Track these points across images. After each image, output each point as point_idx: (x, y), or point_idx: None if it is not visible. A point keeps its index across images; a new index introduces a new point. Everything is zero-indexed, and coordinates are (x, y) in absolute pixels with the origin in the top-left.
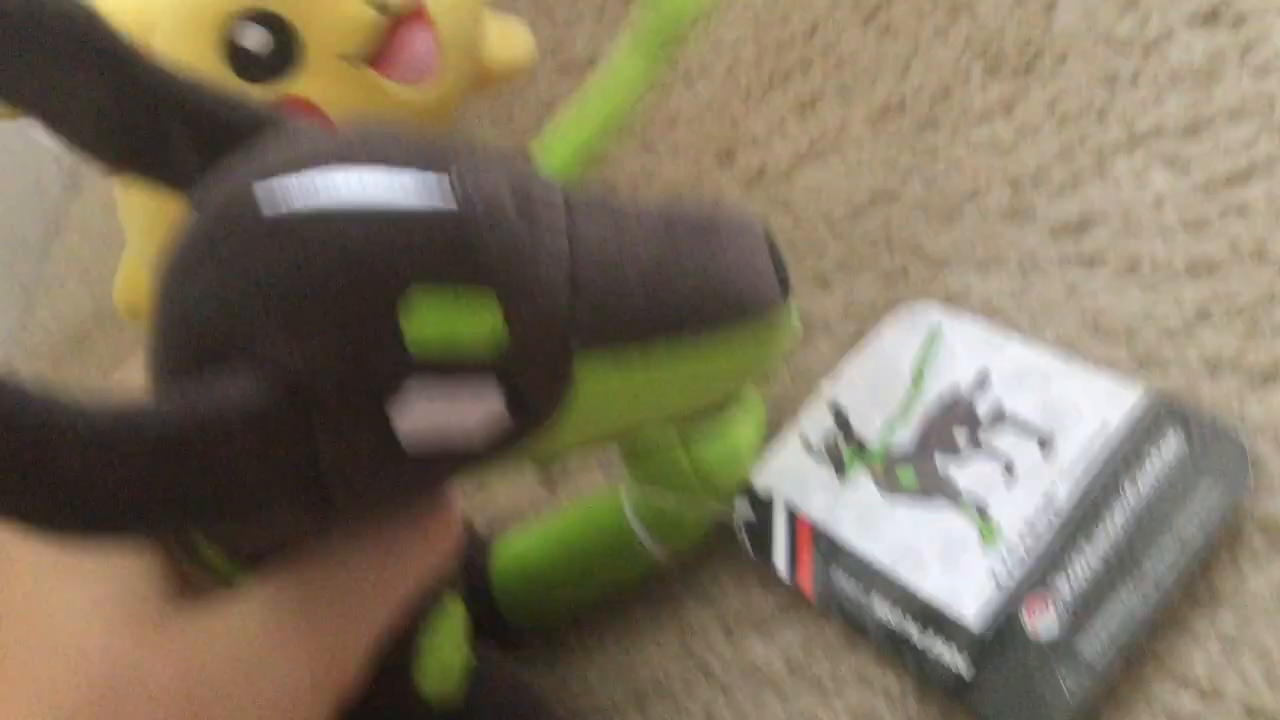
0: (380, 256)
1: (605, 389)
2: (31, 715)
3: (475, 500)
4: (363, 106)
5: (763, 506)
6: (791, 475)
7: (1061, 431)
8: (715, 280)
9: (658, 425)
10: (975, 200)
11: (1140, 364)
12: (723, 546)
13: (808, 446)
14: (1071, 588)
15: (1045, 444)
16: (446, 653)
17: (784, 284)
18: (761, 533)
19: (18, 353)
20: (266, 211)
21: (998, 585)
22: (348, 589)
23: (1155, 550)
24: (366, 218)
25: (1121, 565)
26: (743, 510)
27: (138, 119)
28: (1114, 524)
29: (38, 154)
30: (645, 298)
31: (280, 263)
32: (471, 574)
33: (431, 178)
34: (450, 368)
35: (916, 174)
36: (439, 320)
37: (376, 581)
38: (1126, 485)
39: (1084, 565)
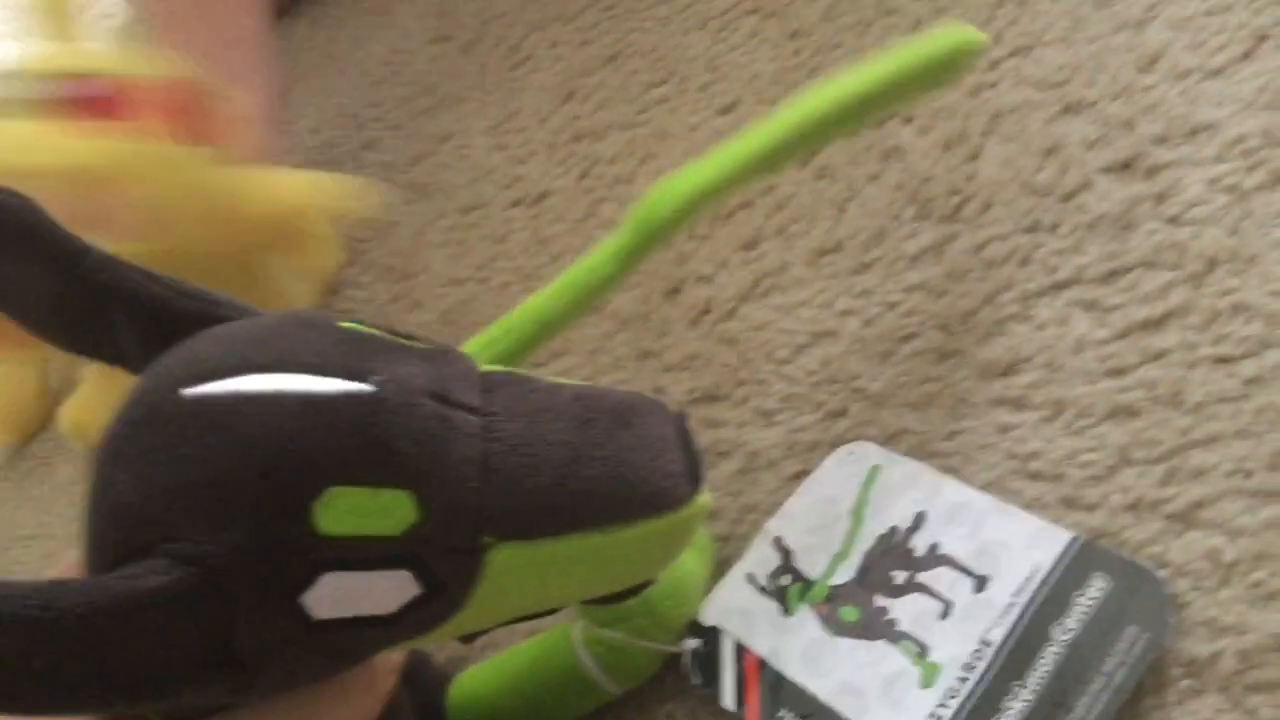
0: (297, 455)
1: (517, 575)
2: None
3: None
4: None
5: (710, 641)
6: (738, 611)
7: (995, 573)
8: (626, 477)
9: (566, 604)
10: (909, 341)
11: (1067, 506)
12: (673, 680)
13: (754, 583)
14: None
15: (980, 585)
16: None
17: (695, 475)
18: (709, 666)
19: None
20: (189, 409)
21: None
22: None
23: (1085, 692)
24: (290, 409)
25: (1054, 707)
26: (691, 645)
27: (84, 307)
28: (1045, 667)
29: None
30: (556, 492)
31: (200, 457)
32: (429, 711)
33: (353, 384)
34: (366, 561)
35: (854, 314)
36: (353, 518)
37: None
38: (1055, 629)
39: (1019, 707)
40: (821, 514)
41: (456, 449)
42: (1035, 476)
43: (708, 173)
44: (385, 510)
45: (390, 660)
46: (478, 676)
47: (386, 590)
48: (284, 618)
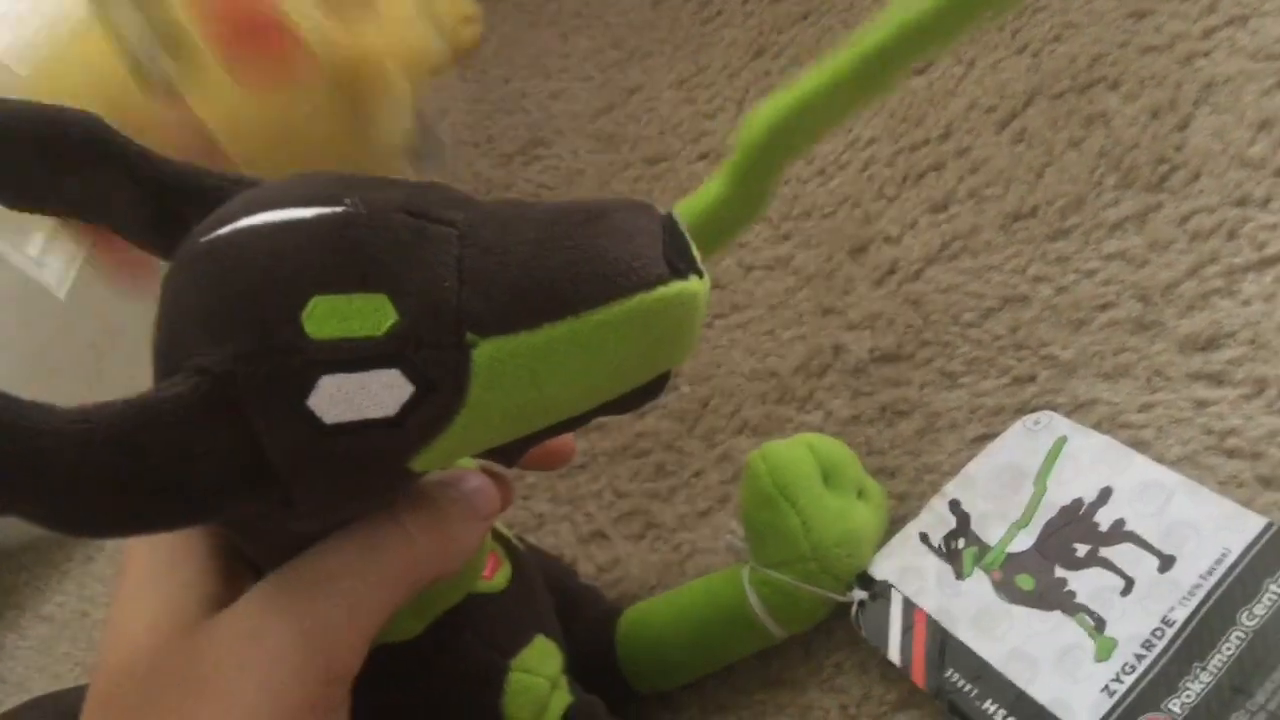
0: (279, 270)
1: (507, 373)
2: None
3: (609, 575)
4: None
5: (880, 594)
6: (910, 569)
7: (1181, 554)
8: (592, 260)
9: (579, 408)
10: (1105, 311)
11: (1264, 484)
12: (842, 631)
13: (927, 542)
14: (1184, 711)
15: (1165, 565)
16: (539, 687)
17: (678, 261)
18: (877, 619)
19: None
20: (201, 249)
21: (1112, 700)
22: (331, 576)
23: (1268, 679)
24: (268, 236)
25: (1234, 693)
26: (859, 596)
27: (153, 203)
28: (1228, 651)
29: None
30: (525, 282)
31: (204, 286)
32: (599, 641)
33: (326, 208)
34: (356, 361)
35: (1047, 281)
36: (336, 321)
37: (360, 570)
38: (1243, 614)
39: (1197, 689)
40: (1002, 481)
41: (429, 253)
42: (1232, 453)
43: (802, 90)
44: (365, 312)
45: (437, 519)
46: (647, 610)
47: (381, 390)
48: (296, 423)
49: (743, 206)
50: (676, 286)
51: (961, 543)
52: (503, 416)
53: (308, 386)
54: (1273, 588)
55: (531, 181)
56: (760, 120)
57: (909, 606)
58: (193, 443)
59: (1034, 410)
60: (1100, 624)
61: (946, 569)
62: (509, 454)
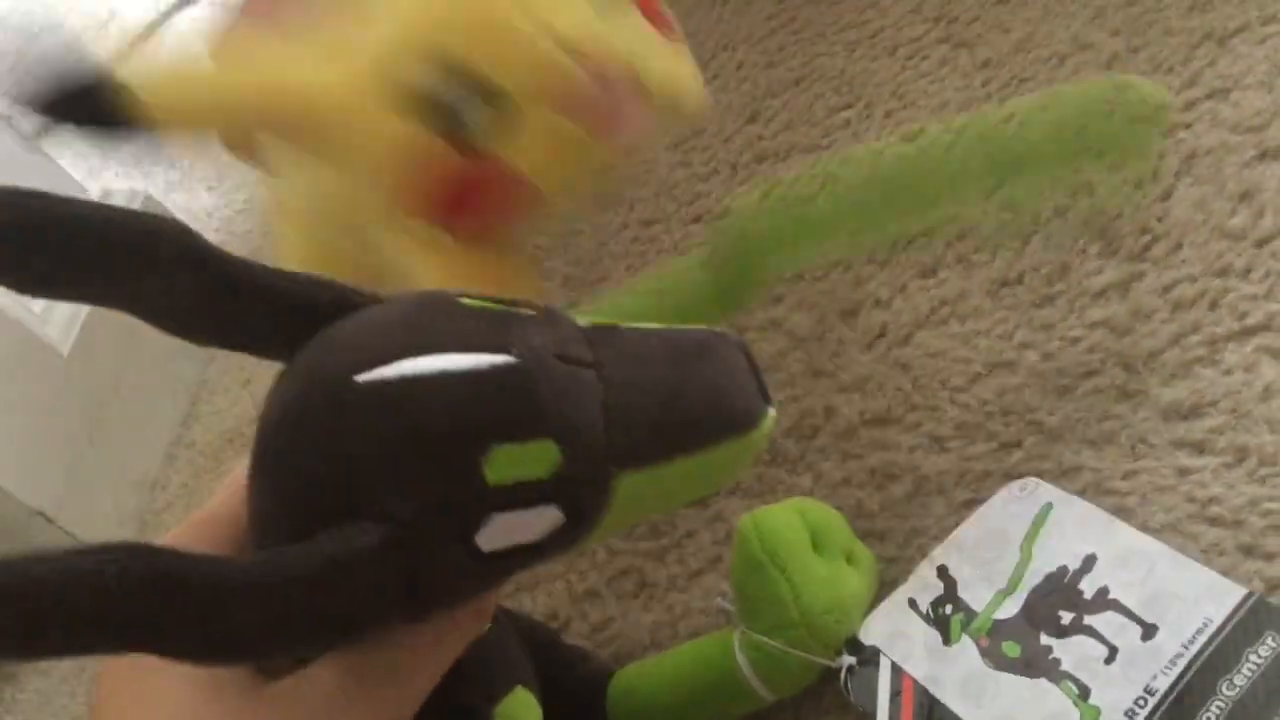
0: (465, 423)
1: (634, 498)
2: None
3: (601, 635)
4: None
5: (868, 660)
6: (899, 634)
7: (1164, 622)
8: (717, 403)
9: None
10: (1090, 378)
11: (1246, 553)
12: (832, 694)
13: (915, 608)
14: None
15: (1148, 633)
16: None
17: (765, 394)
18: (866, 684)
19: (181, 448)
20: (367, 392)
21: None
22: (397, 661)
23: None
24: (446, 386)
25: None
26: (847, 661)
27: (226, 307)
28: None
29: None
30: (661, 422)
31: (384, 433)
32: (590, 703)
33: (498, 356)
34: (525, 501)
35: (1033, 348)
36: (512, 468)
37: (420, 654)
38: (1223, 684)
39: None
40: (989, 546)
41: (584, 399)
42: (1214, 521)
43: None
44: (536, 458)
45: (482, 605)
46: (638, 673)
47: (538, 523)
48: (460, 556)
49: (720, 301)
50: (770, 417)
51: (949, 609)
52: (612, 525)
53: (480, 525)
54: (1252, 658)
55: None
56: (734, 223)
57: (897, 672)
58: (368, 585)
59: (1021, 475)
60: (1085, 692)
61: (934, 635)
62: None
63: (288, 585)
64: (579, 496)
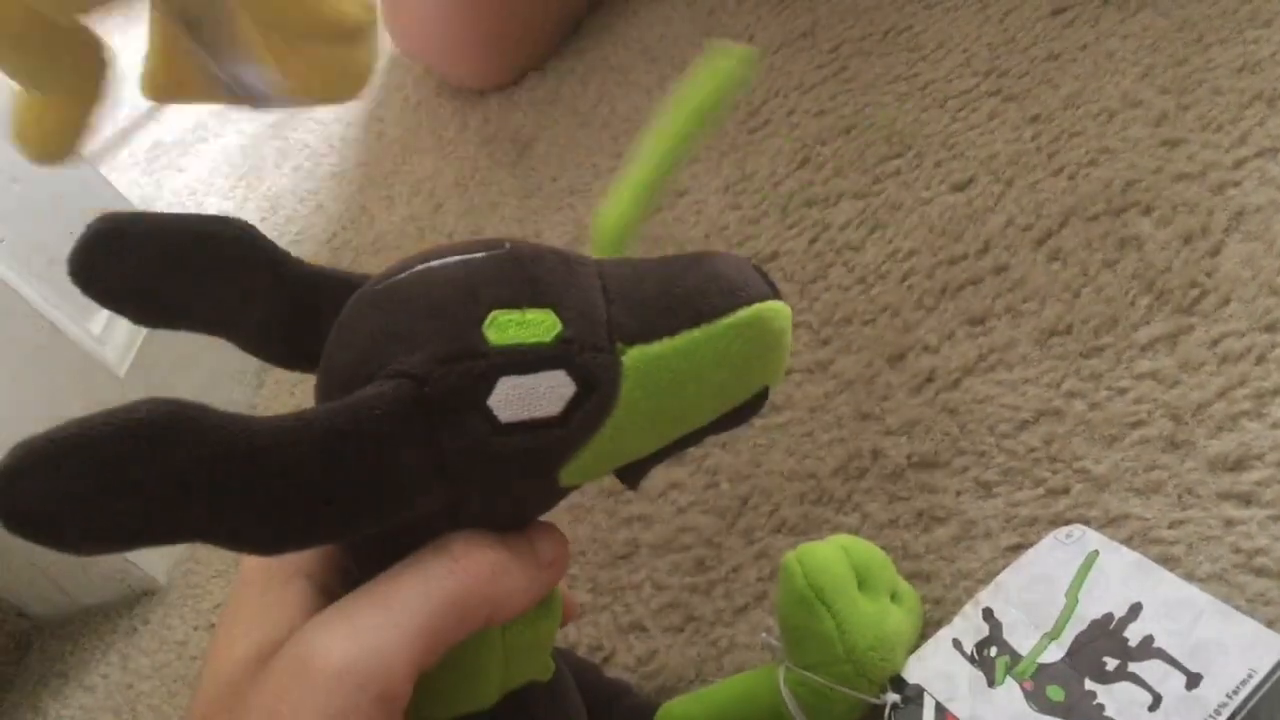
0: (464, 292)
1: (650, 378)
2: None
3: (646, 669)
4: None
5: (912, 698)
6: (943, 674)
7: (1209, 672)
8: (714, 280)
9: (703, 418)
10: (1137, 428)
11: None
12: None
13: (960, 649)
14: None
15: (1192, 682)
16: None
17: (772, 287)
18: None
19: None
20: (384, 288)
21: None
22: (385, 604)
23: None
24: (445, 270)
25: None
26: (892, 698)
27: (289, 304)
28: None
29: None
30: (662, 298)
31: (391, 309)
32: None
33: (493, 250)
34: (529, 364)
35: (1080, 397)
36: (513, 330)
37: (410, 598)
38: None
39: None
40: (1035, 591)
41: (580, 279)
42: (1260, 572)
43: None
44: (536, 323)
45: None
46: (683, 706)
47: (549, 391)
48: (476, 422)
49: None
50: (779, 304)
51: (994, 650)
52: (645, 421)
53: (489, 387)
54: None
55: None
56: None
57: (940, 712)
58: (390, 441)
59: (1067, 522)
60: None
61: (979, 676)
62: (634, 473)
63: (313, 436)
64: (586, 364)
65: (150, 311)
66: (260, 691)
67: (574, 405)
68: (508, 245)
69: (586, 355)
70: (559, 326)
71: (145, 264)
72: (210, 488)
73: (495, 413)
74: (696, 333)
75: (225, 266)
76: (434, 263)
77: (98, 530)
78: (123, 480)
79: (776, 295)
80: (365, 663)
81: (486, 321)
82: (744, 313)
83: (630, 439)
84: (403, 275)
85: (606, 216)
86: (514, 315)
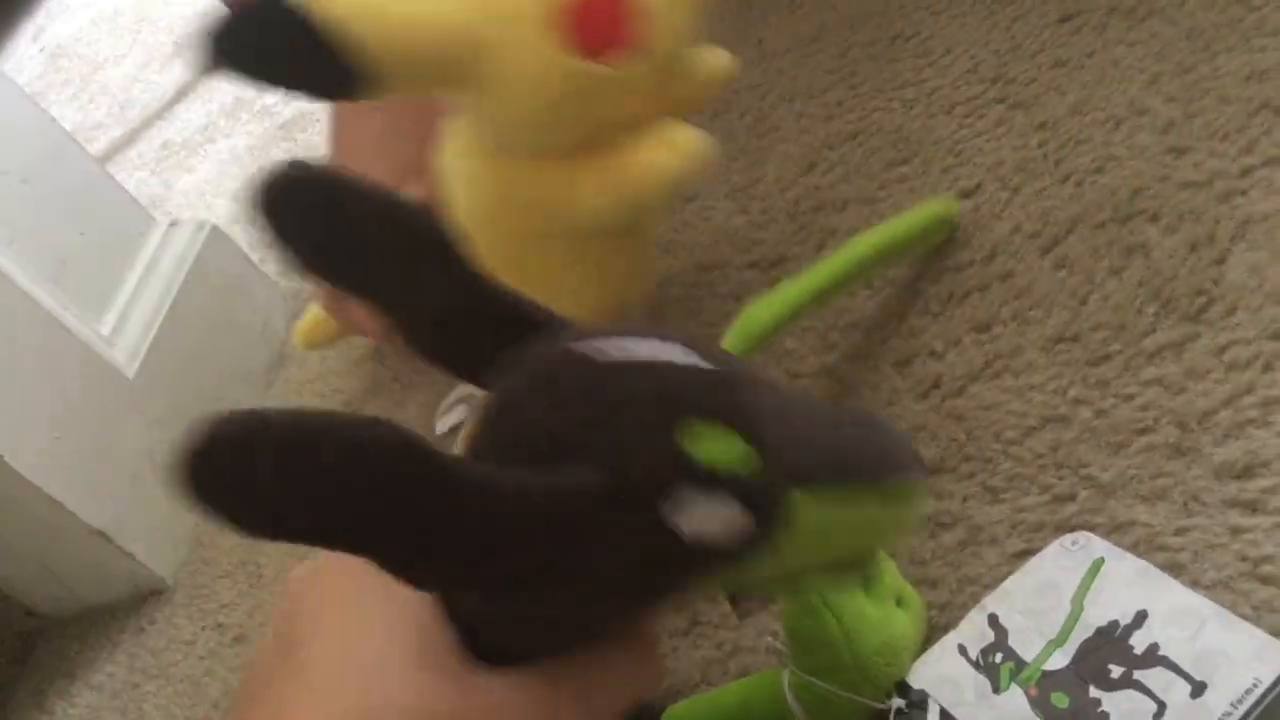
0: (673, 395)
1: (807, 525)
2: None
3: None
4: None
5: (917, 703)
6: (948, 679)
7: (1213, 681)
8: (882, 446)
9: (840, 566)
10: (1143, 435)
11: None
12: None
13: (965, 655)
14: None
15: (1196, 691)
16: None
17: (922, 467)
18: None
19: None
20: (598, 360)
21: None
22: (593, 684)
23: None
24: (663, 369)
25: None
26: (897, 704)
27: (461, 314)
28: None
29: (270, 296)
30: (832, 448)
31: (612, 394)
32: None
33: (692, 351)
34: (712, 483)
35: (1087, 404)
36: (706, 445)
37: (612, 685)
38: None
39: None
40: (1041, 598)
41: (770, 408)
42: (1266, 580)
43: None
44: (728, 447)
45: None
46: (688, 709)
47: (724, 516)
48: (654, 529)
49: None
50: (924, 487)
51: (999, 657)
52: (786, 560)
53: (670, 493)
54: None
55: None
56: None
57: (945, 717)
58: (575, 527)
59: (1074, 528)
60: None
61: (984, 682)
62: (745, 599)
63: (517, 506)
64: (762, 500)
65: (321, 265)
66: (490, 702)
67: (741, 534)
68: (726, 358)
69: (765, 494)
70: (750, 458)
71: (333, 219)
72: (410, 524)
73: (677, 524)
74: (863, 494)
75: (407, 251)
76: (643, 347)
77: (283, 525)
78: (336, 490)
79: (923, 473)
80: None
81: (686, 430)
82: (905, 486)
83: (767, 571)
84: (615, 354)
85: (761, 309)
86: (713, 431)
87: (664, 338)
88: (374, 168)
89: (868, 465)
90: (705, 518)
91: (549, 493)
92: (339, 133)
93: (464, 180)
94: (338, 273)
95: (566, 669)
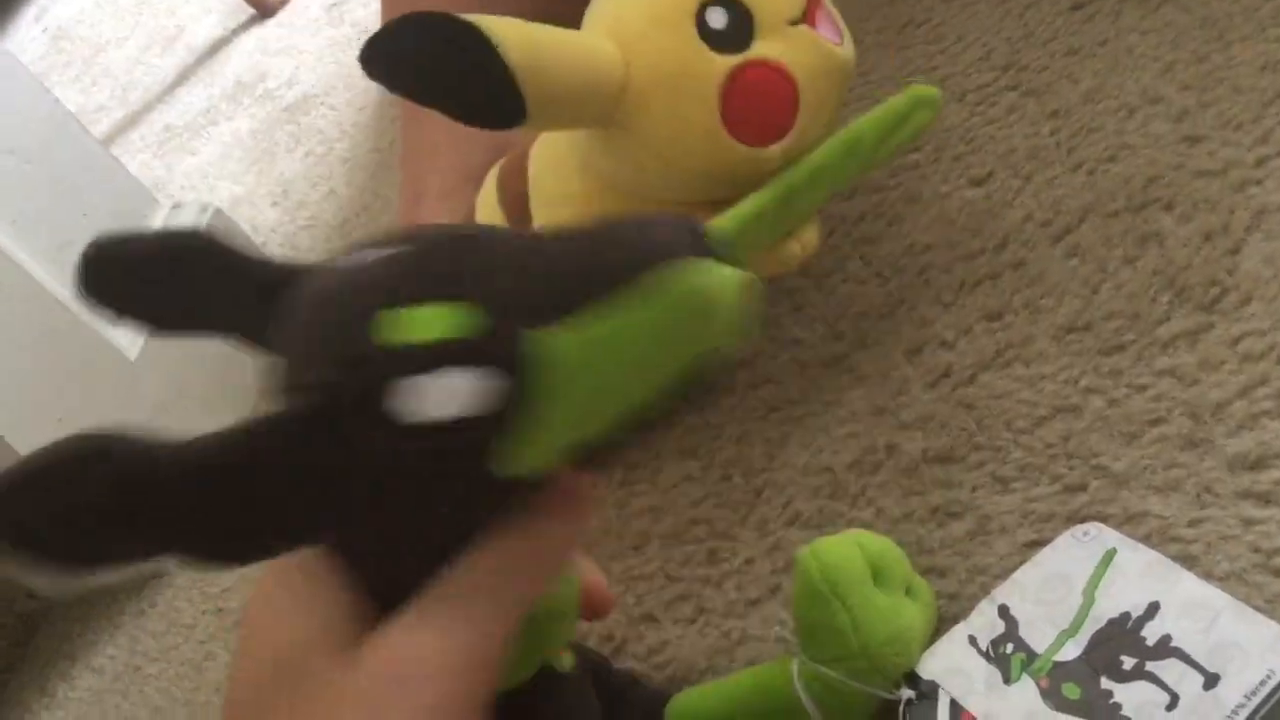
0: (350, 293)
1: (563, 362)
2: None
3: (657, 659)
4: (806, 60)
5: (927, 694)
6: (958, 670)
7: (1226, 673)
8: (623, 251)
9: (640, 394)
10: (1156, 426)
11: None
12: None
13: (975, 645)
14: None
15: (1210, 683)
16: None
17: (701, 249)
18: (924, 718)
19: None
20: (290, 292)
21: None
22: (470, 601)
23: None
24: (341, 272)
25: None
26: (906, 694)
27: (256, 298)
28: None
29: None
30: (565, 276)
31: (291, 318)
32: None
33: (388, 245)
34: (419, 365)
35: (1099, 393)
36: (403, 331)
37: (492, 589)
38: None
39: None
40: (1052, 588)
41: (497, 263)
42: (1279, 573)
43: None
44: (428, 319)
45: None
46: (694, 698)
47: (450, 388)
48: (379, 429)
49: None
50: (702, 265)
51: (1010, 648)
52: (575, 406)
53: (382, 392)
54: None
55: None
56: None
57: (955, 708)
58: (294, 460)
59: (1085, 519)
60: None
61: (994, 673)
62: (597, 459)
63: (223, 459)
64: (480, 355)
65: (154, 323)
66: (357, 690)
67: (477, 403)
68: (419, 236)
69: (479, 347)
70: (453, 318)
71: (139, 282)
72: (127, 512)
73: (397, 417)
74: (602, 306)
75: (203, 276)
76: (347, 261)
77: (54, 559)
78: (52, 512)
79: (703, 254)
80: (465, 652)
81: (373, 321)
82: (654, 278)
83: (564, 425)
84: (314, 281)
85: (718, 223)
86: (403, 314)
87: (375, 243)
88: (439, 168)
89: (611, 276)
90: (440, 396)
91: (246, 433)
92: (409, 131)
93: (563, 200)
94: (168, 325)
95: (453, 586)
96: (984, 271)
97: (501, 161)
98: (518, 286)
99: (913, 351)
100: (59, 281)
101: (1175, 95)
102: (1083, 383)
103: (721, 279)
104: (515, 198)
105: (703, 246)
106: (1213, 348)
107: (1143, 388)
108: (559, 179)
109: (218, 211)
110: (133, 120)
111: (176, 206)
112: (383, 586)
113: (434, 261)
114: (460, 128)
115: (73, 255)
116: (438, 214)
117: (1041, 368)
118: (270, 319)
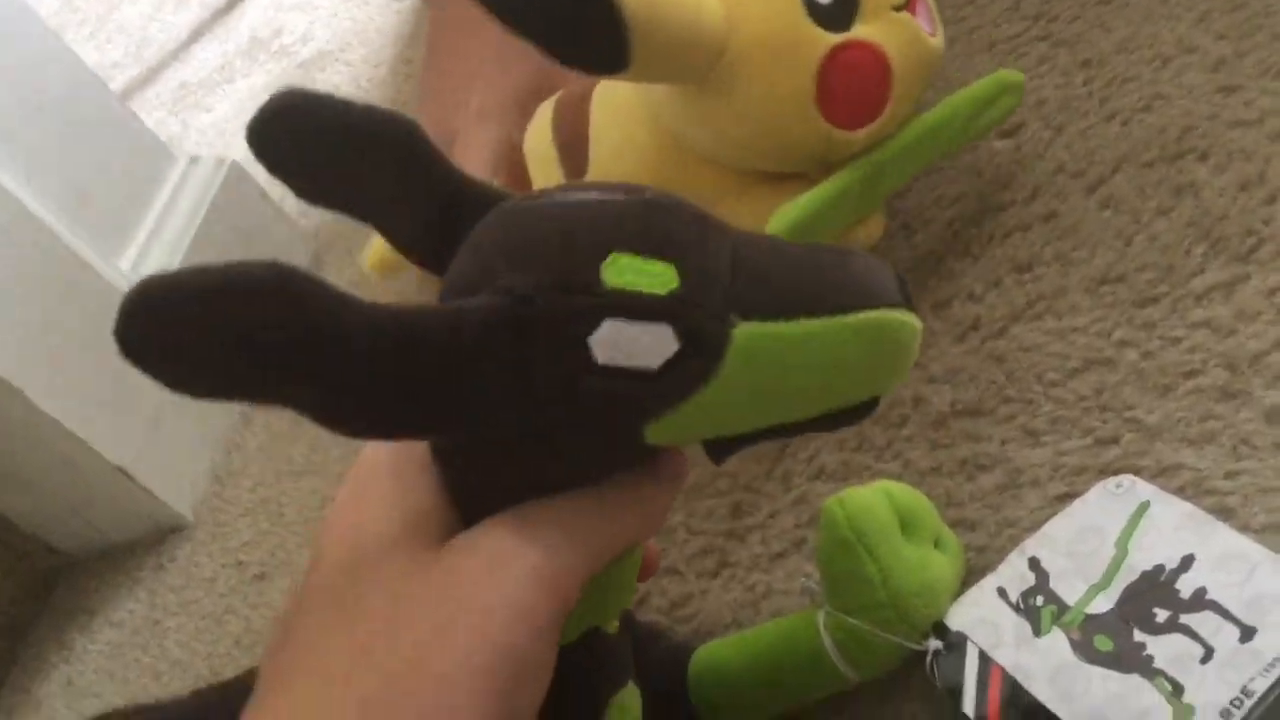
0: (589, 226)
1: (757, 359)
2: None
3: (681, 612)
4: (904, 47)
5: (955, 645)
6: (987, 622)
7: (1263, 625)
8: (846, 276)
9: (804, 411)
10: (1191, 378)
11: None
12: (919, 681)
13: (1005, 598)
14: None
15: (1246, 635)
16: None
17: (907, 296)
18: (953, 670)
19: (258, 411)
20: (517, 207)
21: None
22: (571, 524)
23: None
24: (582, 204)
25: None
26: (934, 645)
27: (436, 213)
28: None
29: (289, 233)
30: (790, 281)
31: (516, 229)
32: (672, 678)
33: (631, 194)
34: (638, 311)
35: (1133, 346)
36: (630, 275)
37: (594, 523)
38: None
39: None
40: (1084, 541)
41: (713, 242)
42: None
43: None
44: (655, 274)
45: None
46: (720, 649)
47: (652, 344)
48: (572, 357)
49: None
50: (907, 315)
51: (1040, 600)
52: (742, 400)
53: (593, 325)
54: None
55: None
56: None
57: (985, 660)
58: (480, 354)
59: (1117, 472)
60: (1179, 689)
61: (1024, 625)
62: (722, 450)
63: (403, 331)
64: (694, 326)
65: (314, 191)
66: (445, 574)
67: (672, 364)
68: (649, 192)
69: (697, 317)
70: (676, 282)
71: (318, 145)
72: (295, 362)
73: (593, 352)
74: (814, 323)
75: (387, 162)
76: (571, 195)
77: (194, 379)
78: (222, 339)
79: (909, 308)
80: (553, 569)
81: (606, 261)
82: (867, 315)
83: (725, 413)
84: (539, 200)
85: (793, 204)
86: (634, 260)
87: (604, 187)
88: (479, 88)
89: (824, 290)
90: (628, 347)
91: (447, 314)
92: (443, 42)
93: (629, 149)
94: (329, 197)
95: (554, 511)
96: (1014, 223)
97: (559, 95)
98: (740, 273)
99: (941, 304)
100: (76, 235)
101: (1211, 44)
102: (1116, 335)
103: (914, 331)
104: (574, 137)
105: (908, 295)
106: (1249, 298)
107: (1177, 340)
108: (624, 126)
109: (235, 165)
110: (148, 77)
111: (194, 160)
112: (473, 501)
113: (673, 221)
114: (508, 53)
115: (90, 208)
116: (474, 133)
117: (1074, 320)
118: (441, 225)
